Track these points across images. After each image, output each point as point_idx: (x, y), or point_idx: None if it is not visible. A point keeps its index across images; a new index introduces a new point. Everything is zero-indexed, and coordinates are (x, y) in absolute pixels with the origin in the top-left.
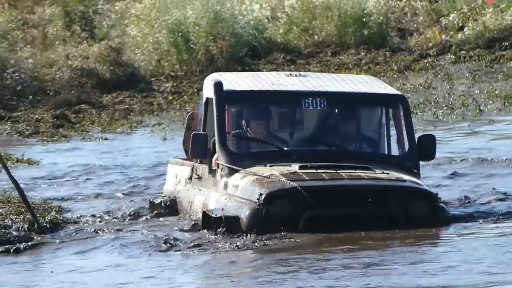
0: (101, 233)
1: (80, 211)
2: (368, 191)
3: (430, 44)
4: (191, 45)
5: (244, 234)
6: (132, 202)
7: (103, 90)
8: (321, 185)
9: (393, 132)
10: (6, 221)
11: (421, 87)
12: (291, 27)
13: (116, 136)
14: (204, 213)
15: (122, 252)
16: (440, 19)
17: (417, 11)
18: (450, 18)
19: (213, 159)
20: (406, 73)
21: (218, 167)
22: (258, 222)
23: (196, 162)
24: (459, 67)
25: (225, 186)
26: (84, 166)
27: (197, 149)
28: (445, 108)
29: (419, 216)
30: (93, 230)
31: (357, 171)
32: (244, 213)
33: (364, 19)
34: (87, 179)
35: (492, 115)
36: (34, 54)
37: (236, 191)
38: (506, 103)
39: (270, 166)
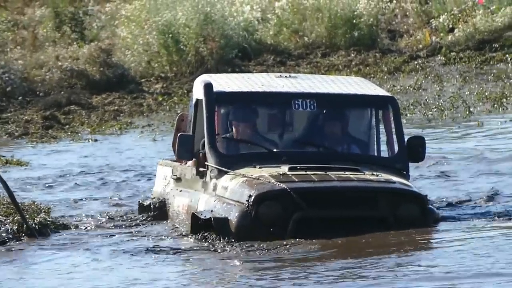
0: (89, 235)
1: (70, 213)
2: (357, 192)
3: (420, 46)
4: (181, 47)
5: (233, 237)
6: (121, 203)
7: (93, 91)
8: (311, 186)
9: (382, 133)
10: None
11: (411, 89)
12: (281, 29)
13: (105, 137)
14: (193, 215)
15: (111, 254)
16: (430, 21)
17: (407, 13)
18: (440, 20)
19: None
20: (396, 74)
21: (207, 169)
22: (248, 223)
23: (185, 163)
24: (449, 68)
25: (215, 187)
26: (73, 167)
27: (183, 151)
28: (435, 109)
29: (408, 218)
30: (82, 232)
31: (346, 172)
32: (233, 215)
33: (354, 21)
34: (76, 180)
35: (481, 117)
36: (24, 55)
37: (226, 192)
38: (495, 105)
39: (259, 167)
